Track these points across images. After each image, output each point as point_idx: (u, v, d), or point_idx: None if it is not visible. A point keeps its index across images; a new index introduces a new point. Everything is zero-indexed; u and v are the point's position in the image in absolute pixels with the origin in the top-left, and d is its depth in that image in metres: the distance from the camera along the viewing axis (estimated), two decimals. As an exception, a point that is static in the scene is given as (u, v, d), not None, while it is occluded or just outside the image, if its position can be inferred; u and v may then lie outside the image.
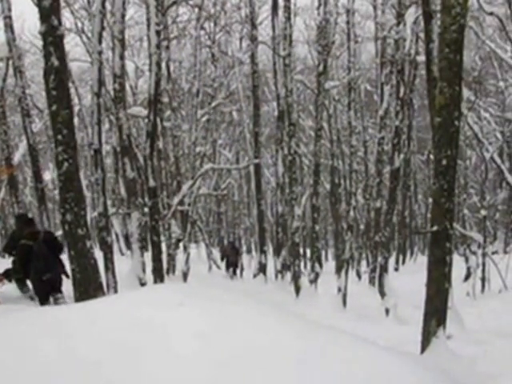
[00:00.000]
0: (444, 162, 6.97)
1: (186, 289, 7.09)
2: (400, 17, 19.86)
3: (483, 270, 21.20)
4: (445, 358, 7.36)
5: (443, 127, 6.99)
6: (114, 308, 5.27)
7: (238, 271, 27.19)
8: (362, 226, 31.98)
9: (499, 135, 35.47)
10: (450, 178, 7.05)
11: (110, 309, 5.24)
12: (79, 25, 26.88)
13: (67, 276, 10.70)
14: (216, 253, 30.80)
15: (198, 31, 25.85)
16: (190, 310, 5.05)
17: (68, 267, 9.74)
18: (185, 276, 21.04)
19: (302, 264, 31.89)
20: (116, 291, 12.48)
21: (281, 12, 21.69)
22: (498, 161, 22.54)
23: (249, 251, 37.96)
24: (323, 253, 46.99)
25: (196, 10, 25.60)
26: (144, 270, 15.05)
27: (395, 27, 20.25)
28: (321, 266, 26.55)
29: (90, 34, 23.78)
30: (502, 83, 32.75)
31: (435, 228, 7.08)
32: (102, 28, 12.99)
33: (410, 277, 22.43)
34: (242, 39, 34.69)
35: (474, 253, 21.87)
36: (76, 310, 5.46)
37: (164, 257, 20.52)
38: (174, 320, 4.87)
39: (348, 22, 23.29)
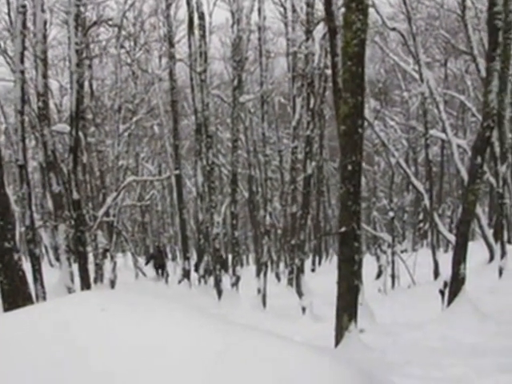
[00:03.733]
0: (350, 167, 7.09)
1: (110, 295, 6.99)
2: (309, 33, 20.15)
3: (393, 268, 21.67)
4: (357, 350, 7.48)
5: (348, 135, 7.11)
6: (41, 314, 5.15)
7: (165, 273, 27.38)
8: (279, 231, 32.22)
9: (405, 142, 36.45)
10: (356, 182, 7.18)
11: (39, 315, 5.12)
12: (2, 45, 26.37)
13: None
14: (142, 261, 30.56)
15: (118, 50, 25.57)
16: (114, 314, 4.98)
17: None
18: (112, 284, 20.80)
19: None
20: (45, 301, 12.29)
21: (196, 30, 21.72)
22: (404, 165, 23.10)
23: (173, 258, 37.66)
24: (244, 257, 47.12)
25: (116, 29, 25.34)
26: (72, 280, 14.89)
27: (305, 43, 20.54)
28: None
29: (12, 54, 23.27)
30: (405, 93, 33.63)
31: (343, 229, 7.19)
32: (24, 48, 12.80)
33: (325, 277, 22.69)
34: (161, 57, 34.57)
35: (385, 252, 22.30)
36: (9, 317, 5.32)
37: (92, 266, 20.27)
38: (100, 324, 4.79)
39: (259, 39, 23.48)
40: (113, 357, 4.44)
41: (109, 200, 20.09)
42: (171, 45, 25.89)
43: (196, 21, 21.76)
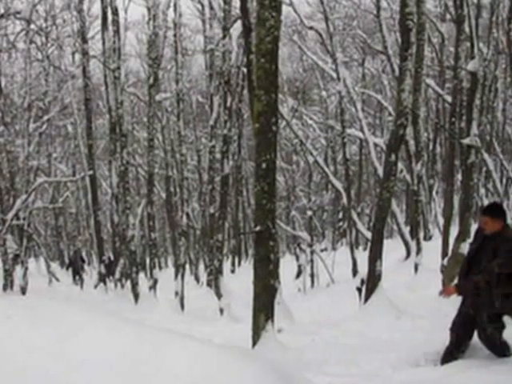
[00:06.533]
0: (264, 165, 7.12)
1: (17, 301, 6.79)
2: (226, 30, 20.20)
3: (312, 267, 21.96)
4: (274, 350, 7.54)
5: (262, 132, 7.15)
6: None
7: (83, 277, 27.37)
8: (198, 232, 32.19)
9: (323, 141, 37.00)
10: (270, 181, 7.22)
11: None
12: None
13: None
14: (55, 266, 30.00)
15: (28, 45, 24.91)
16: (19, 321, 4.84)
17: None
18: (23, 291, 20.28)
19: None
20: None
21: (110, 26, 21.46)
22: (322, 164, 23.44)
23: (89, 263, 37.08)
24: (163, 260, 46.82)
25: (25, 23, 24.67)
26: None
27: (222, 40, 20.58)
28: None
29: None
30: (324, 93, 34.13)
31: (258, 228, 7.23)
32: None
33: (245, 277, 22.73)
34: (74, 53, 33.91)
35: (304, 251, 22.55)
36: None
37: (1, 273, 19.70)
38: (3, 332, 4.65)
39: (175, 35, 23.34)
40: (14, 369, 4.32)
41: (18, 202, 19.62)
42: (84, 41, 25.46)
43: (110, 16, 21.49)
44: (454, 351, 6.68)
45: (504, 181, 27.59)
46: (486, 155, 20.37)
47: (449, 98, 19.88)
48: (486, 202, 22.63)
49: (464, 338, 6.64)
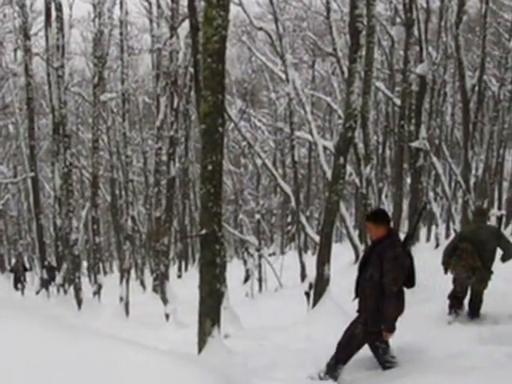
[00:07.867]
0: (210, 167, 7.09)
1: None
2: (173, 30, 20.13)
3: (260, 272, 22.03)
4: (220, 356, 7.51)
5: (208, 134, 7.12)
6: None
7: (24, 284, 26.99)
8: (144, 236, 31.96)
9: (272, 143, 37.14)
10: (217, 183, 7.19)
11: None
12: None
13: None
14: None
15: (-35, 40, 24.45)
16: None
17: None
18: (-40, 297, 19.82)
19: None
20: None
21: (54, 23, 21.15)
22: (270, 167, 23.51)
23: (31, 268, 36.50)
24: (108, 264, 46.38)
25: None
26: None
27: (169, 40, 20.51)
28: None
29: None
30: (273, 94, 34.26)
31: (204, 231, 7.19)
32: None
33: (192, 282, 22.67)
34: (16, 50, 33.35)
35: (252, 255, 22.61)
36: None
37: None
38: None
39: (121, 34, 23.17)
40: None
41: (-44, 205, 19.18)
42: (27, 37, 24.98)
43: (54, 12, 21.18)
44: (381, 360, 6.92)
45: (452, 184, 28.13)
46: (434, 159, 20.72)
47: (398, 101, 20.18)
48: (434, 206, 23.05)
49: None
